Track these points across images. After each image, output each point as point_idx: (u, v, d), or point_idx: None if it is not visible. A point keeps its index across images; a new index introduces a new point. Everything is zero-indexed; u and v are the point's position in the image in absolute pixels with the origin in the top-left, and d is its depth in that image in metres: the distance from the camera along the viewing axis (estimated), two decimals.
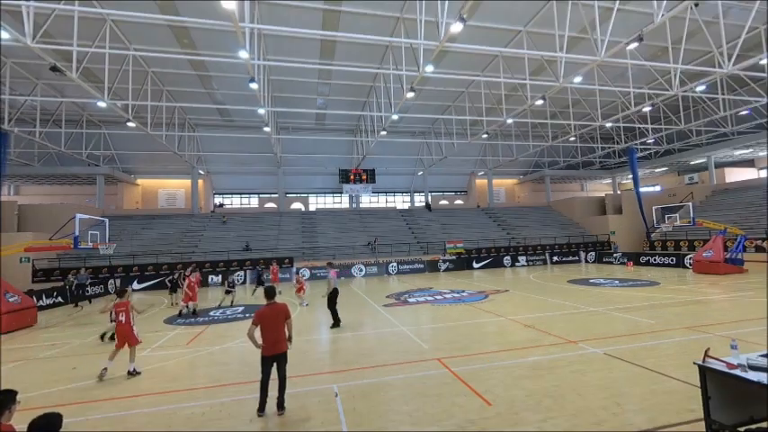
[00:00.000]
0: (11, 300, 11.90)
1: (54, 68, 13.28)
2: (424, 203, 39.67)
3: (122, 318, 7.12)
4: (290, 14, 16.64)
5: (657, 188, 43.37)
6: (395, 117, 20.77)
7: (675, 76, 18.07)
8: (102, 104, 17.46)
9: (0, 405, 2.96)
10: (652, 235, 29.06)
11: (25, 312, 12.25)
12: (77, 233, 15.42)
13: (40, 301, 15.42)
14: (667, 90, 18.78)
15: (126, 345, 7.05)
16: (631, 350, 7.00)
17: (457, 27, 11.84)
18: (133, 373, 6.87)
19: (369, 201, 40.66)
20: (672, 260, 22.51)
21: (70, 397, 5.97)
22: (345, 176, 30.45)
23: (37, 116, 22.34)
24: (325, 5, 16.22)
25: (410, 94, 17.39)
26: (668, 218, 24.59)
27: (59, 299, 16.66)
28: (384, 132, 23.74)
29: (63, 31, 14.97)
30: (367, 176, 30.76)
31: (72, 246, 15.53)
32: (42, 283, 20.78)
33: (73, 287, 17.36)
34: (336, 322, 10.27)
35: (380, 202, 41.84)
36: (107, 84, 16.50)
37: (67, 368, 7.59)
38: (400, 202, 42.23)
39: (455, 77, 22.37)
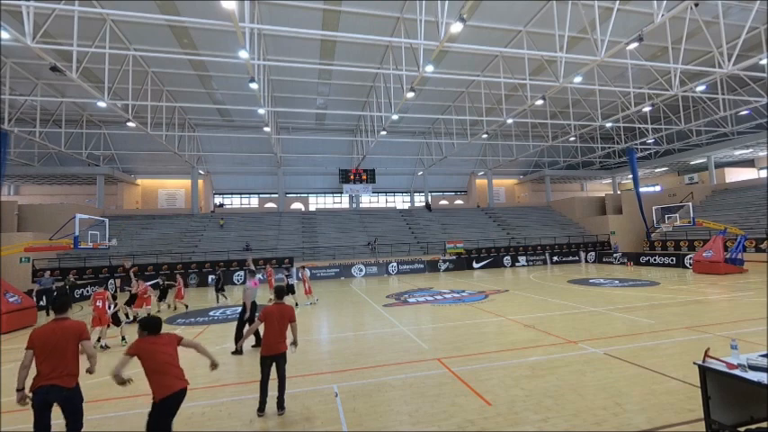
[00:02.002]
0: (11, 300, 11.90)
1: (54, 68, 13.26)
2: (424, 203, 39.68)
3: (99, 303, 8.93)
4: (289, 14, 16.65)
5: (657, 188, 43.39)
6: (395, 117, 20.78)
7: (675, 76, 18.07)
8: (102, 104, 17.44)
9: (66, 304, 3.95)
10: (652, 235, 29.07)
11: (25, 312, 12.26)
12: (77, 233, 15.43)
13: (40, 302, 15.41)
14: (667, 90, 18.79)
15: (99, 324, 8.80)
16: (631, 350, 7.00)
17: (457, 27, 11.84)
18: (105, 348, 8.80)
19: (369, 201, 40.66)
20: (672, 260, 22.51)
21: None
22: (345, 176, 30.46)
23: (37, 116, 22.36)
24: (325, 5, 16.23)
25: (410, 94, 17.39)
26: (668, 218, 24.63)
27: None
28: (384, 132, 23.75)
29: (63, 31, 14.98)
30: (367, 176, 30.77)
31: (72, 246, 15.54)
32: None
33: (33, 294, 14.83)
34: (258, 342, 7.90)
35: (380, 202, 41.83)
36: (107, 84, 16.50)
37: None
38: (400, 202, 42.23)
39: (455, 77, 22.37)
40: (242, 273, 23.87)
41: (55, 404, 3.68)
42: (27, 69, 20.01)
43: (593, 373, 5.95)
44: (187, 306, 14.67)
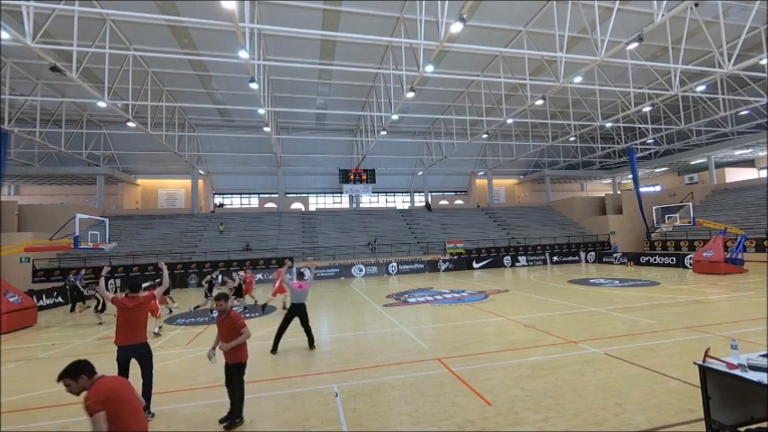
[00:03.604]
0: (11, 300, 11.90)
1: (54, 68, 13.26)
2: (424, 203, 39.68)
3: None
4: (289, 14, 16.65)
5: (657, 188, 43.40)
6: (395, 117, 20.78)
7: (675, 76, 18.08)
8: (102, 104, 17.43)
9: (136, 285, 5.48)
10: (652, 235, 29.07)
11: (26, 312, 12.25)
12: (77, 233, 15.43)
13: (41, 301, 15.42)
14: (667, 90, 18.79)
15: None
16: (631, 350, 7.00)
17: (457, 27, 11.84)
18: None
19: (369, 201, 40.67)
20: (672, 260, 22.52)
21: (71, 397, 5.97)
22: (345, 176, 30.46)
23: (37, 116, 22.35)
24: (325, 5, 16.22)
25: (410, 95, 17.39)
26: (668, 218, 24.66)
27: (59, 299, 16.66)
28: (384, 132, 23.75)
29: (63, 31, 14.97)
30: (367, 176, 30.78)
31: (72, 246, 15.54)
32: (42, 283, 20.79)
33: (67, 287, 16.36)
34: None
35: (380, 202, 41.84)
36: (107, 84, 16.49)
37: None
38: (400, 202, 42.25)
39: (455, 77, 22.38)
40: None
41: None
42: (27, 69, 20.00)
43: (594, 373, 5.95)
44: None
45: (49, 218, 24.84)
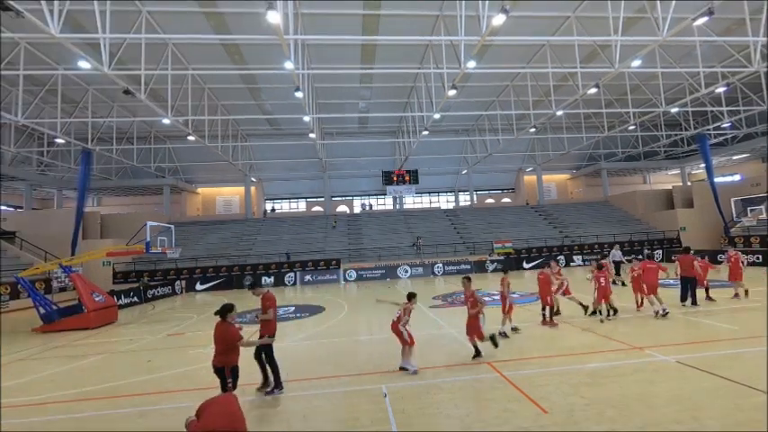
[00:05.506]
0: (97, 299, 13.41)
1: (126, 92, 14.85)
2: (469, 203, 38.72)
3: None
4: (330, 22, 17.10)
5: (736, 177, 38.64)
6: (436, 116, 20.54)
7: (756, 50, 15.99)
8: (166, 121, 19.21)
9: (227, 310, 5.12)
10: (731, 230, 25.97)
11: (108, 310, 13.74)
12: (149, 239, 16.98)
13: (120, 300, 17.19)
14: (746, 67, 16.70)
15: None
16: (709, 359, 6.30)
17: (499, 19, 11.46)
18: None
19: (413, 201, 40.59)
20: (757, 258, 19.97)
21: (148, 387, 6.59)
22: (388, 178, 30.64)
23: (113, 135, 25.11)
24: (365, 11, 16.45)
25: (452, 92, 17.07)
26: (751, 210, 21.93)
27: (135, 298, 18.50)
28: (426, 132, 23.56)
29: (132, 56, 16.61)
30: (410, 177, 30.74)
31: (144, 251, 17.14)
32: (121, 284, 23.20)
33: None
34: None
35: (424, 202, 41.58)
36: (170, 102, 18.06)
37: (143, 361, 8.39)
38: (444, 201, 41.67)
39: (499, 71, 21.65)
40: (292, 273, 24.88)
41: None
42: (105, 94, 22.52)
43: (664, 382, 5.44)
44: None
45: (126, 225, 27.66)
